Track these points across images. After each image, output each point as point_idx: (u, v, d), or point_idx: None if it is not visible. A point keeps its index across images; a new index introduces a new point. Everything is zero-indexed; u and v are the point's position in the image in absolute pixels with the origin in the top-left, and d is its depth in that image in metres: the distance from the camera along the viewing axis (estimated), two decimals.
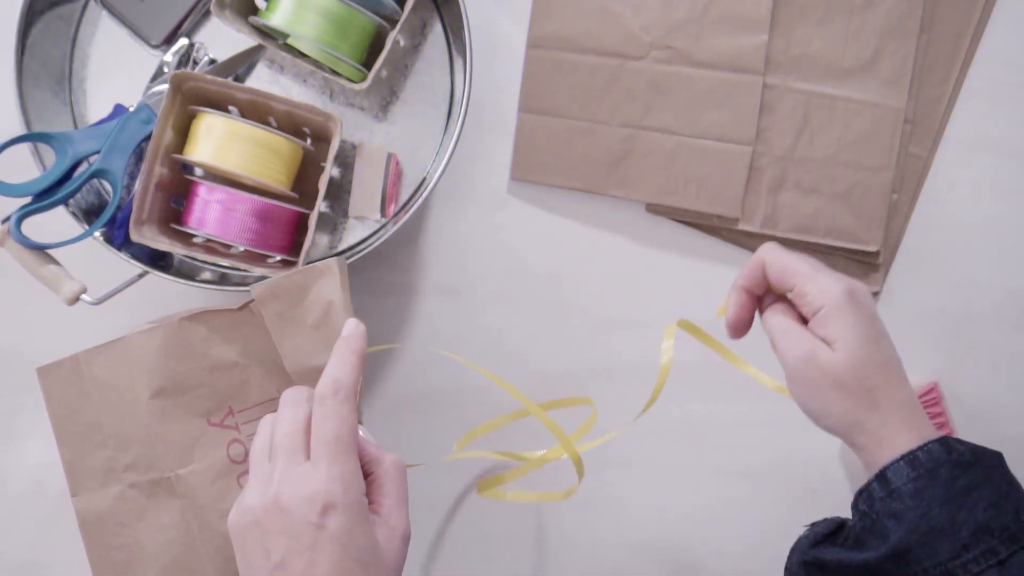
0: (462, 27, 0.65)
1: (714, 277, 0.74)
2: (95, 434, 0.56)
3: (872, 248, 0.73)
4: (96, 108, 0.69)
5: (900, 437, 0.49)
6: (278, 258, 0.64)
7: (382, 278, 0.74)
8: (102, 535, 0.56)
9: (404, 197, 0.69)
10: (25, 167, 0.62)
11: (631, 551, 0.75)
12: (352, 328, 0.51)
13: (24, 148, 0.62)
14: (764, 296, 0.55)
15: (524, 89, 0.73)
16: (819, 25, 0.72)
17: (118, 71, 0.69)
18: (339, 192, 0.68)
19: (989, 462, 0.49)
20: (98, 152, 0.62)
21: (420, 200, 0.65)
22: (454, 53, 0.69)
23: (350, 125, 0.69)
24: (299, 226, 0.65)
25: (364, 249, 0.65)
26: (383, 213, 0.67)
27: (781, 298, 0.54)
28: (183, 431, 0.56)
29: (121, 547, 0.56)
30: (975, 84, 0.74)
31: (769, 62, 0.72)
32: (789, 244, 0.73)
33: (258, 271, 0.62)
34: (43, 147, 0.63)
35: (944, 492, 0.46)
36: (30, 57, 0.65)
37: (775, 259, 0.52)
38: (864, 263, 0.74)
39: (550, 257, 0.74)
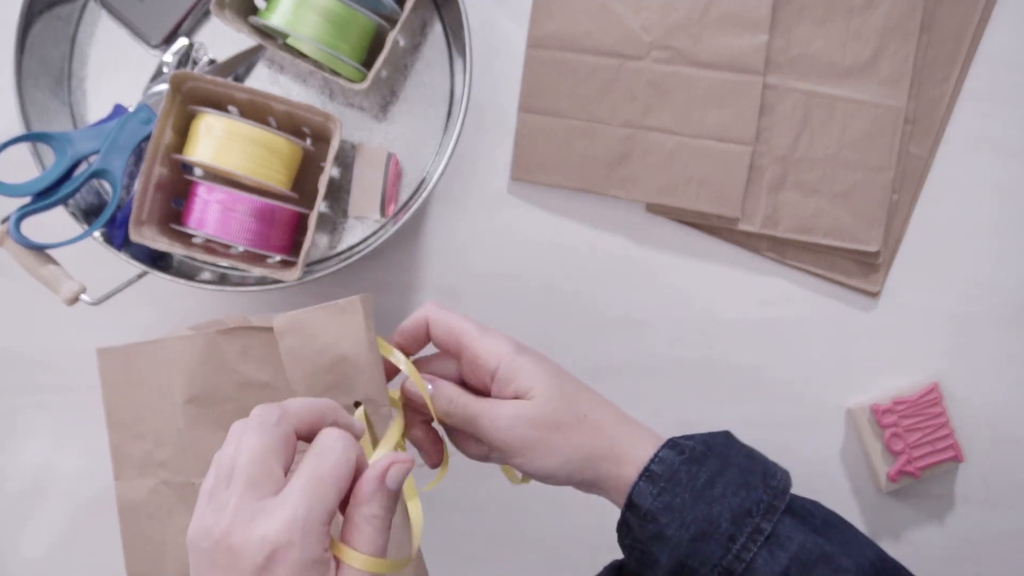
0: (462, 27, 0.65)
1: (714, 277, 0.74)
2: (138, 424, 0.57)
3: (872, 248, 0.73)
4: (96, 108, 0.69)
5: (637, 449, 0.48)
6: (278, 258, 0.64)
7: (382, 278, 0.74)
8: (136, 523, 0.57)
9: (404, 197, 0.69)
10: (25, 167, 0.62)
11: None
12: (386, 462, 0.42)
13: (24, 148, 0.62)
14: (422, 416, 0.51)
15: (524, 89, 0.73)
16: (819, 25, 0.72)
17: (118, 71, 0.68)
18: (339, 192, 0.68)
19: (720, 446, 0.48)
20: (98, 152, 0.62)
21: (420, 200, 0.65)
22: (454, 53, 0.69)
23: (350, 125, 0.69)
24: (299, 226, 0.65)
25: (364, 249, 0.65)
26: (383, 213, 0.67)
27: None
28: (209, 442, 0.56)
29: (149, 540, 0.57)
30: (975, 84, 0.74)
31: (769, 62, 0.72)
32: (789, 244, 0.74)
33: (257, 271, 0.62)
34: (43, 147, 0.63)
35: (691, 495, 0.46)
36: (29, 57, 0.65)
37: (440, 318, 0.50)
38: (864, 263, 0.74)
39: (550, 257, 0.74)
